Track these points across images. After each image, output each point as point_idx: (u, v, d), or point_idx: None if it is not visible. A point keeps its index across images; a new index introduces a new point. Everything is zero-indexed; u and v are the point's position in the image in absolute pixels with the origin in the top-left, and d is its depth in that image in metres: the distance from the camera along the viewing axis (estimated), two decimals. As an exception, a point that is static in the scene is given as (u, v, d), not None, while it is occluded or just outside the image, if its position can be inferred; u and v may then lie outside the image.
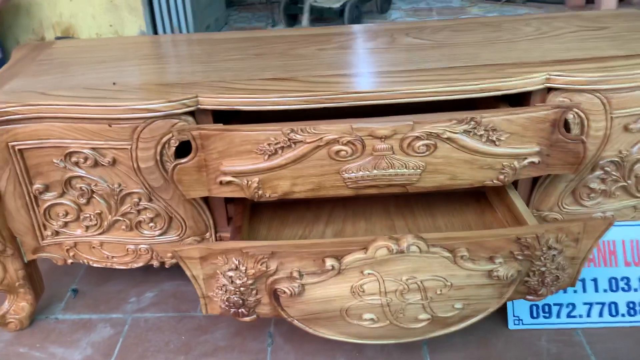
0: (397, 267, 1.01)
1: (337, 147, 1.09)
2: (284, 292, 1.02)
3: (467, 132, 1.10)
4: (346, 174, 1.12)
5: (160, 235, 1.29)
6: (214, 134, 1.09)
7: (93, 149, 1.18)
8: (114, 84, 1.21)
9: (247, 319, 1.08)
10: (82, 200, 1.25)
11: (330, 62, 1.30)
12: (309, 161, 1.11)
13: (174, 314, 1.42)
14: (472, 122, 1.09)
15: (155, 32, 2.97)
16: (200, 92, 1.15)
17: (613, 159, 1.27)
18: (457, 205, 1.36)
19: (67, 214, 1.27)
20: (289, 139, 1.08)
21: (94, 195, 1.24)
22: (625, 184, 1.31)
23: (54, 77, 1.28)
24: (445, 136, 1.09)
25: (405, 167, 1.12)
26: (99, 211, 1.27)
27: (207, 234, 1.32)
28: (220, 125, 1.10)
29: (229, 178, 1.13)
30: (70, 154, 1.19)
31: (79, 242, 1.31)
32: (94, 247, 1.31)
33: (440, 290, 1.04)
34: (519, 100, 1.22)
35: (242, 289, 1.04)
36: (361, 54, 1.37)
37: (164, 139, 1.16)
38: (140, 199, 1.24)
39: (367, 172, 1.12)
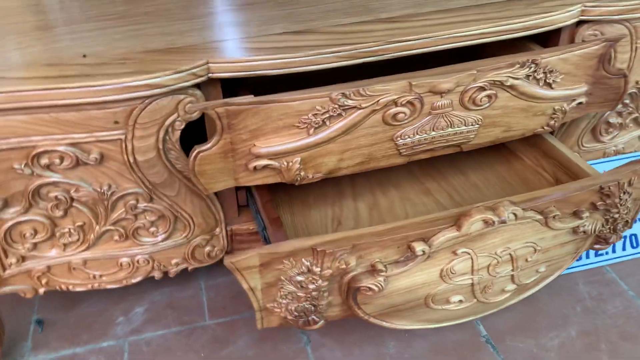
0: (494, 239, 0.88)
1: (394, 110, 0.91)
2: (368, 289, 0.85)
3: (527, 77, 0.98)
4: (401, 140, 0.96)
5: (164, 240, 1.04)
6: (245, 109, 0.86)
7: (72, 144, 0.89)
8: (84, 56, 0.91)
9: (316, 326, 0.90)
10: (58, 213, 0.95)
11: (340, 8, 1.09)
12: (361, 130, 0.92)
13: (179, 328, 1.18)
14: (533, 65, 0.97)
15: None
16: (209, 57, 0.90)
17: (631, 90, 1.24)
18: (479, 157, 1.25)
19: (35, 232, 0.97)
20: (339, 106, 0.89)
21: (74, 204, 0.95)
22: (637, 114, 1.29)
23: (-13, 52, 0.94)
24: (508, 83, 0.96)
25: (464, 124, 0.98)
26: (80, 223, 0.98)
27: (217, 230, 1.09)
28: (251, 97, 0.86)
29: (263, 162, 0.91)
30: (39, 154, 0.88)
31: (54, 265, 1.02)
32: (74, 268, 1.03)
33: (530, 257, 0.93)
34: (543, 38, 1.12)
35: (314, 293, 0.85)
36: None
37: (167, 122, 0.90)
38: (137, 201, 0.97)
39: (425, 135, 0.96)
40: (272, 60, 0.91)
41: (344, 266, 0.84)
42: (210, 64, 0.90)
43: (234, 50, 0.93)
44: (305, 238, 0.83)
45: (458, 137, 0.99)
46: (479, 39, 1.00)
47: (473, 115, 0.98)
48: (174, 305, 1.23)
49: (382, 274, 0.85)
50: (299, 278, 0.84)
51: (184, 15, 1.09)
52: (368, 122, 0.92)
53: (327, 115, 0.89)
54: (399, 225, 0.86)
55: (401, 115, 0.92)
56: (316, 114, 0.89)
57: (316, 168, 0.95)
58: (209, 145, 0.88)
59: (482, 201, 0.89)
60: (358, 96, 0.89)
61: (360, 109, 0.90)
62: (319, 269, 0.83)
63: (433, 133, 0.96)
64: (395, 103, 0.91)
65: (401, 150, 0.97)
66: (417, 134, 0.95)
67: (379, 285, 0.85)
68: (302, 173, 0.94)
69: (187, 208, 1.02)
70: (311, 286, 0.84)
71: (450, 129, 0.97)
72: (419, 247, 0.85)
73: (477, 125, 0.99)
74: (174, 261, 1.07)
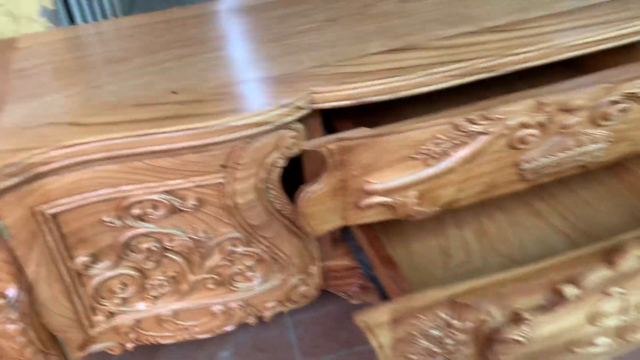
0: (648, 276, 0.78)
1: (522, 132, 0.81)
2: (513, 341, 0.75)
3: (662, 86, 0.87)
4: (527, 164, 0.85)
5: (260, 284, 0.95)
6: (359, 143, 0.76)
7: (167, 192, 0.80)
8: (174, 92, 0.82)
9: (448, 382, 0.81)
10: (149, 264, 0.87)
11: (436, 18, 0.99)
12: (484, 156, 0.82)
13: (275, 372, 1.10)
14: (669, 72, 0.86)
15: (67, 5, 2.37)
16: (312, 85, 0.81)
17: None
18: (585, 171, 1.14)
19: (125, 286, 0.88)
20: (464, 133, 0.79)
21: (167, 254, 0.87)
22: None
23: (67, 93, 0.85)
24: (642, 95, 0.85)
25: (594, 142, 0.87)
26: (173, 273, 0.89)
27: (312, 267, 1.00)
28: (366, 130, 0.77)
29: (376, 199, 0.81)
30: (131, 205, 0.80)
31: (144, 319, 0.93)
32: (164, 320, 0.94)
33: (683, 290, 0.83)
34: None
35: (451, 348, 0.76)
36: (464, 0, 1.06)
37: (269, 160, 0.81)
38: (235, 245, 0.89)
39: (552, 157, 0.86)
40: (380, 86, 0.81)
41: (486, 318, 0.74)
42: (313, 94, 0.80)
43: (335, 77, 0.83)
44: (441, 288, 0.73)
45: (586, 156, 0.88)
46: (601, 44, 0.90)
47: (603, 132, 0.87)
48: (261, 347, 1.15)
49: (528, 322, 0.75)
50: (435, 333, 0.74)
51: (266, 36, 0.99)
52: (492, 147, 0.81)
53: (450, 144, 0.79)
54: (543, 267, 0.76)
55: (530, 138, 0.81)
56: (437, 143, 0.79)
57: (433, 201, 0.85)
58: (319, 186, 0.79)
59: (599, 221, 0.79)
60: (484, 121, 0.78)
61: (486, 134, 0.79)
62: (459, 323, 0.73)
63: (561, 154, 0.86)
64: (524, 125, 0.80)
65: (525, 175, 0.87)
66: (544, 156, 0.85)
67: (524, 336, 0.75)
68: (418, 208, 0.84)
69: (285, 248, 0.93)
70: (449, 341, 0.75)
71: (578, 149, 0.86)
72: (569, 290, 0.74)
73: (608, 143, 0.88)
74: (269, 305, 0.98)
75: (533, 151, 0.84)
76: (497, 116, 0.78)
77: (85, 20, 2.46)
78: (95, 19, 2.44)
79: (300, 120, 0.81)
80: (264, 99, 0.78)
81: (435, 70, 0.82)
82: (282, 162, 0.82)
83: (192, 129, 0.74)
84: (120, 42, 1.00)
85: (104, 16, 2.45)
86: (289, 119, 0.78)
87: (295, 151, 0.82)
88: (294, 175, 0.89)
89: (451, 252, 0.98)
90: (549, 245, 0.97)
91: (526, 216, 1.04)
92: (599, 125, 0.86)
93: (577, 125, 0.84)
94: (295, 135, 0.81)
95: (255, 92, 0.80)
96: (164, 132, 0.73)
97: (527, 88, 0.82)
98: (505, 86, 0.97)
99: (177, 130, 0.73)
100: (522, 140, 0.82)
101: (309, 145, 0.75)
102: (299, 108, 0.79)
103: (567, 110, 0.82)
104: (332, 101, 0.81)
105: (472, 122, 0.78)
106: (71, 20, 2.55)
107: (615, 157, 0.93)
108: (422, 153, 0.79)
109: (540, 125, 0.81)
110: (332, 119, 0.92)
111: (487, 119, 0.78)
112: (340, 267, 1.03)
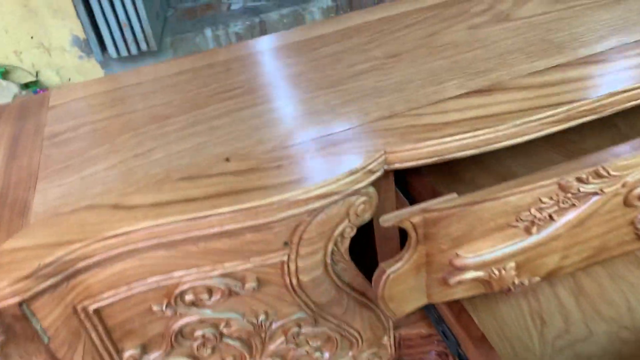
0: None
1: (642, 189, 0.67)
2: None
3: None
4: (644, 223, 0.72)
5: (329, 364, 0.84)
6: (448, 214, 0.64)
7: (223, 275, 0.69)
8: (227, 160, 0.71)
9: None
10: (205, 352, 0.76)
11: (518, 47, 0.86)
12: (596, 218, 0.69)
13: None
14: None
15: (98, 34, 2.32)
16: (384, 142, 0.69)
17: None
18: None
19: (179, 375, 0.78)
20: (572, 194, 0.66)
21: (224, 339, 0.76)
22: None
23: (106, 165, 0.75)
24: None
25: None
26: (231, 358, 0.79)
27: (385, 338, 0.88)
28: (456, 197, 0.64)
29: (469, 274, 0.69)
30: (183, 292, 0.69)
31: (199, 406, 0.83)
32: (222, 405, 0.84)
33: None
34: None
35: None
36: (545, 22, 0.92)
37: (337, 232, 0.69)
38: (300, 327, 0.77)
39: (676, 213, 0.72)
40: (465, 140, 0.69)
41: None
42: (387, 154, 0.68)
43: (410, 131, 0.71)
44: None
45: None
46: None
47: None
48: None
49: None
50: None
51: (321, 80, 0.88)
52: (605, 208, 0.68)
53: (556, 207, 0.66)
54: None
55: (651, 194, 0.68)
56: (541, 208, 0.66)
57: (533, 271, 0.72)
58: (400, 264, 0.67)
59: None
60: (598, 179, 0.65)
61: (600, 194, 0.66)
62: None
63: (686, 208, 0.72)
64: (645, 180, 0.67)
65: (641, 235, 0.73)
66: (667, 213, 0.71)
67: None
68: (517, 281, 0.71)
69: (356, 324, 0.81)
70: None
71: None
72: None
73: None
74: (338, 383, 0.87)
75: (653, 207, 0.70)
76: (614, 173, 0.65)
77: (117, 48, 2.41)
78: (127, 46, 2.38)
79: (373, 183, 0.70)
80: (330, 164, 0.67)
81: (530, 118, 0.69)
82: (351, 232, 0.71)
83: (250, 208, 0.63)
84: (162, 95, 0.90)
85: (136, 43, 2.39)
86: (360, 185, 0.67)
87: (367, 218, 0.71)
88: (360, 237, 0.78)
89: (545, 318, 0.85)
90: (663, 305, 0.82)
91: (628, 267, 0.90)
92: None
93: None
94: (366, 201, 0.69)
95: (318, 155, 0.69)
96: (219, 214, 0.63)
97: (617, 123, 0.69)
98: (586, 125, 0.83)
99: (233, 212, 0.62)
100: (642, 197, 0.68)
101: (390, 220, 0.63)
102: (372, 172, 0.67)
103: (696, 158, 0.67)
104: (410, 161, 0.69)
105: (582, 181, 0.65)
106: (103, 48, 2.48)
107: None
108: (522, 220, 0.66)
109: (664, 178, 0.67)
110: (404, 174, 0.80)
111: (601, 177, 0.65)
112: (416, 335, 0.90)
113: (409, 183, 0.85)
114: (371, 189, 0.69)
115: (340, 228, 0.69)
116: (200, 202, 0.64)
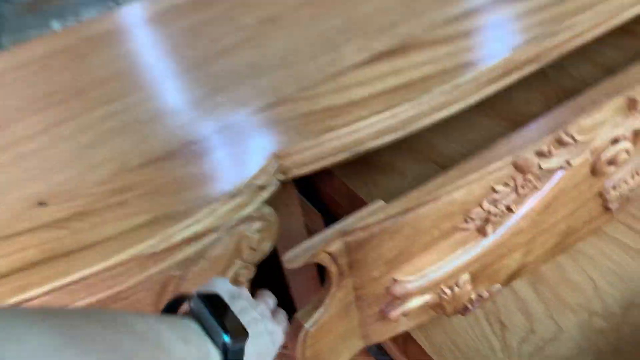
0: None
1: (612, 151, 0.52)
2: None
3: None
4: (613, 191, 0.56)
5: None
6: (378, 230, 0.45)
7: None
8: (41, 204, 0.47)
9: None
10: None
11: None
12: (562, 198, 0.53)
13: None
14: None
15: None
16: (274, 143, 0.48)
17: None
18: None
19: None
20: (533, 174, 0.48)
21: None
22: None
23: None
24: None
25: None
26: None
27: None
28: (382, 205, 0.45)
29: (414, 302, 0.51)
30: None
31: None
32: None
33: None
34: None
35: None
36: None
37: (229, 277, 0.48)
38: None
39: (647, 172, 0.57)
40: (381, 124, 0.50)
41: None
42: (279, 160, 0.48)
43: (307, 120, 0.51)
44: None
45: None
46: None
47: None
48: None
49: None
50: None
51: (180, 61, 0.65)
52: (572, 182, 0.52)
53: (513, 196, 0.49)
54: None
55: (623, 155, 0.52)
56: (495, 200, 0.48)
57: (491, 279, 0.55)
58: (321, 312, 0.47)
59: None
60: (562, 148, 0.48)
61: (565, 168, 0.50)
62: None
63: (658, 165, 0.58)
64: (615, 140, 0.51)
65: (610, 205, 0.58)
66: (638, 173, 0.56)
67: None
68: (474, 295, 0.54)
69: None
70: None
71: (678, 149, 0.58)
72: None
73: None
74: None
75: (622, 170, 0.55)
76: (580, 138, 0.48)
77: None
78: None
79: (268, 201, 0.49)
80: (199, 188, 0.45)
81: (460, 79, 0.51)
82: (249, 274, 0.50)
83: (79, 280, 0.40)
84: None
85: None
86: (247, 211, 0.46)
87: (267, 249, 0.50)
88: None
89: (505, 320, 0.69)
90: (630, 276, 0.70)
91: (590, 242, 0.76)
92: (702, 110, 0.58)
93: (677, 118, 0.55)
94: (262, 227, 0.48)
95: (179, 177, 0.47)
96: (30, 299, 0.39)
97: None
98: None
99: (52, 291, 0.40)
100: (612, 162, 0.53)
101: (296, 260, 0.43)
102: (261, 189, 0.46)
103: (667, 100, 0.53)
104: (311, 163, 0.49)
105: (543, 154, 0.48)
106: None
107: None
108: (473, 219, 0.49)
109: (635, 135, 0.52)
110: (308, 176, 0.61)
111: (564, 144, 0.48)
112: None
113: (316, 187, 0.65)
114: (267, 210, 0.49)
115: (230, 273, 0.49)
116: (2, 282, 0.41)
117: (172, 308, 0.38)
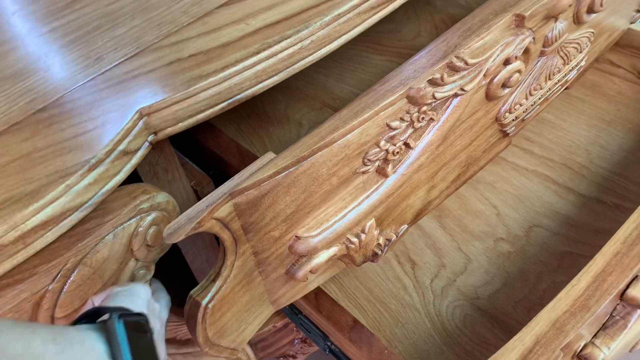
0: None
1: (505, 73, 0.49)
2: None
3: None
4: (509, 115, 0.55)
5: None
6: (271, 186, 0.40)
7: None
8: None
9: None
10: None
11: None
12: (460, 127, 0.50)
13: None
14: None
15: None
16: (138, 98, 0.41)
17: None
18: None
19: None
20: (428, 105, 0.45)
21: None
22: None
23: None
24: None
25: (579, 49, 0.59)
26: None
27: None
28: (275, 159, 0.40)
29: (320, 256, 0.46)
30: None
31: None
32: None
33: None
34: None
35: None
36: None
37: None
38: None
39: (540, 91, 0.56)
40: (258, 66, 0.44)
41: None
42: (146, 116, 0.41)
43: (173, 70, 0.44)
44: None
45: (572, 71, 0.60)
46: None
47: (585, 32, 0.59)
48: None
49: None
50: None
51: (5, 23, 0.54)
52: (468, 109, 0.49)
53: (410, 130, 0.45)
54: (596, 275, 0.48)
55: (515, 76, 0.50)
56: (392, 137, 0.45)
57: (398, 220, 0.52)
58: (218, 284, 0.41)
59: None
60: (454, 74, 0.45)
61: (460, 94, 0.47)
62: None
63: (549, 83, 0.56)
64: (507, 61, 0.49)
65: (507, 130, 0.57)
66: (531, 94, 0.55)
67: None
68: (382, 240, 0.51)
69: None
70: None
71: (567, 66, 0.58)
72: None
73: (589, 44, 0.60)
74: None
75: (516, 93, 0.54)
76: (472, 60, 0.45)
77: None
78: None
79: (142, 163, 0.42)
80: (49, 165, 0.38)
81: (340, 9, 0.46)
82: (149, 273, 0.44)
83: None
84: None
85: None
86: (112, 183, 0.39)
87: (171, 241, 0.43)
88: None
89: (414, 257, 0.68)
90: (529, 198, 0.71)
91: (497, 172, 0.76)
92: (582, 23, 0.57)
93: (563, 33, 0.54)
94: (157, 219, 0.42)
95: (25, 155, 0.39)
96: None
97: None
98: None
99: None
100: (505, 84, 0.50)
101: (177, 232, 0.37)
102: (126, 154, 0.40)
103: (552, 16, 0.51)
104: (185, 118, 0.42)
105: (436, 83, 0.44)
106: None
107: (594, 59, 0.67)
108: (371, 160, 0.45)
109: (525, 52, 0.50)
110: (191, 135, 0.54)
111: (456, 70, 0.45)
112: (268, 332, 0.68)
113: (200, 145, 0.59)
114: (161, 197, 0.42)
115: (126, 276, 0.42)
116: None
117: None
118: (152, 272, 0.43)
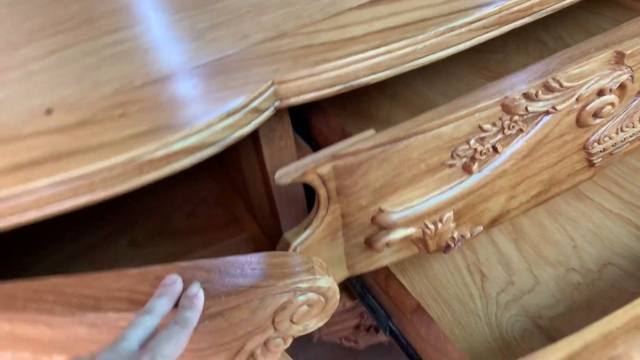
0: None
1: (598, 102, 0.54)
2: None
3: None
4: (597, 145, 0.58)
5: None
6: (366, 158, 0.47)
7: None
8: (48, 112, 0.49)
9: None
10: None
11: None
12: (547, 144, 0.55)
13: None
14: None
15: None
16: (272, 70, 0.50)
17: None
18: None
19: None
20: (520, 116, 0.50)
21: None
22: None
23: None
24: None
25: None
26: None
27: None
28: (374, 136, 0.47)
29: (399, 233, 0.53)
30: None
31: None
32: None
33: None
34: None
35: None
36: None
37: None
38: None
39: (631, 129, 0.59)
40: (375, 59, 0.51)
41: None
42: (277, 85, 0.50)
43: (305, 52, 0.52)
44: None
45: (670, 118, 0.62)
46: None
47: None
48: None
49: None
50: None
51: (175, 1, 0.66)
52: (557, 130, 0.54)
53: (500, 136, 0.51)
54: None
55: (607, 108, 0.54)
56: (482, 138, 0.50)
57: (475, 220, 0.57)
58: (309, 232, 0.49)
59: None
60: (548, 93, 0.50)
61: (552, 112, 0.52)
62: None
63: (641, 123, 0.60)
64: (601, 92, 0.53)
65: (594, 160, 0.60)
66: (622, 130, 0.58)
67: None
68: (456, 234, 0.56)
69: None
70: None
71: (664, 108, 0.60)
72: None
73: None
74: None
75: (608, 125, 0.57)
76: (567, 84, 0.50)
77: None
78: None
79: (264, 126, 0.51)
80: (197, 106, 0.47)
81: (454, 23, 0.53)
82: (284, 345, 0.48)
83: (78, 178, 0.42)
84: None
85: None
86: (242, 132, 0.48)
87: (309, 327, 0.47)
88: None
89: (485, 270, 0.71)
90: (609, 238, 0.72)
91: (566, 201, 0.79)
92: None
93: (663, 76, 0.57)
94: (313, 303, 0.45)
95: (180, 96, 0.49)
96: (31, 192, 0.41)
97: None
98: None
99: (52, 185, 0.41)
100: (597, 113, 0.55)
101: (286, 175, 0.45)
102: (257, 111, 0.48)
103: (654, 55, 0.55)
104: (308, 92, 0.51)
105: (531, 98, 0.50)
106: None
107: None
108: (460, 156, 0.51)
109: (621, 88, 0.54)
110: (302, 112, 0.63)
111: (551, 90, 0.50)
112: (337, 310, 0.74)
113: (311, 126, 0.67)
114: (325, 282, 0.43)
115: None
116: (4, 177, 0.42)
117: None
118: (288, 344, 0.46)
